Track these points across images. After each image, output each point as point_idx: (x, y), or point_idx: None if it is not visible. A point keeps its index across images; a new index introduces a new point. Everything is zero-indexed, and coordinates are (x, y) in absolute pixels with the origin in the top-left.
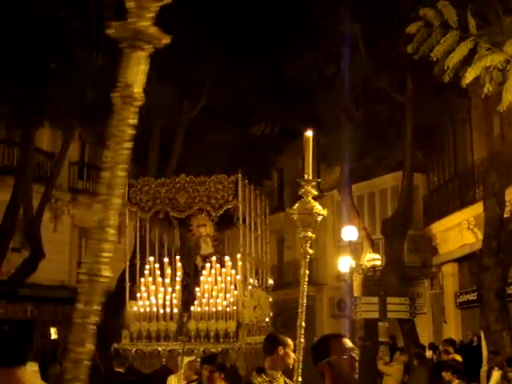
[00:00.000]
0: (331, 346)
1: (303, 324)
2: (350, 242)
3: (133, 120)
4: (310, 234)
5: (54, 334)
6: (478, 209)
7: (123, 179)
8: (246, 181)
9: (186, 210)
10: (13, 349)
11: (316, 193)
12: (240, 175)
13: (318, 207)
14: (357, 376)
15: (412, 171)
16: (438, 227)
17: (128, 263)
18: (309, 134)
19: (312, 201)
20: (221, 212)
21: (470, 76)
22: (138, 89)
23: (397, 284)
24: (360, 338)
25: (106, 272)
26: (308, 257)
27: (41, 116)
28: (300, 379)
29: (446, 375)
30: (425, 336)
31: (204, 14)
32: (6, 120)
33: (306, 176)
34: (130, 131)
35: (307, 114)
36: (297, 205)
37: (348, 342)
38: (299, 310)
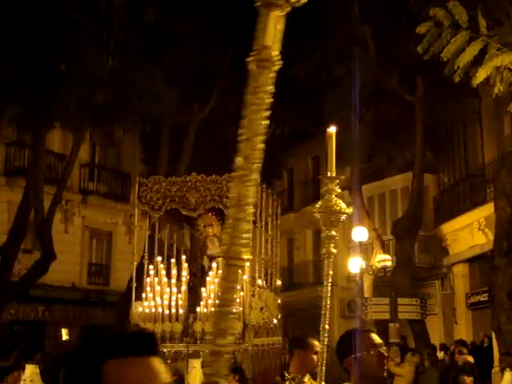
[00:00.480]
0: (358, 341)
1: (327, 327)
2: (360, 242)
3: (271, 86)
4: (333, 232)
5: (65, 335)
6: (488, 209)
7: (261, 152)
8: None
9: (198, 209)
10: (148, 339)
11: (339, 190)
12: None
13: (342, 205)
14: (385, 373)
15: (422, 172)
16: (448, 228)
17: (135, 263)
18: (332, 129)
19: (336, 199)
20: None
21: (480, 76)
22: (275, 51)
23: (407, 285)
24: None
25: (247, 254)
26: (332, 257)
27: (51, 118)
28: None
29: (468, 380)
30: (435, 337)
31: (214, 15)
32: (17, 122)
33: (329, 173)
34: (268, 99)
35: (316, 115)
36: (320, 203)
37: (376, 338)
38: (322, 312)
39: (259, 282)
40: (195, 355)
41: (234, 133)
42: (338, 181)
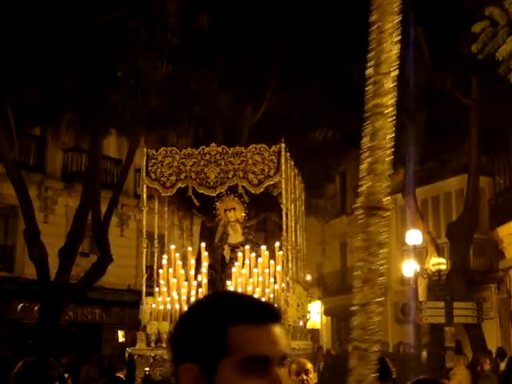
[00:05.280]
0: None
1: None
2: (414, 246)
3: None
4: None
5: (121, 337)
6: None
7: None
8: (288, 154)
9: (218, 187)
10: (271, 307)
11: None
12: (283, 145)
13: None
14: None
15: (477, 174)
16: (504, 231)
17: (145, 250)
18: None
19: None
20: (260, 189)
21: None
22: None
23: (463, 288)
24: (426, 344)
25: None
26: None
27: (108, 124)
28: None
29: None
30: (492, 341)
31: (266, 20)
32: (75, 128)
33: None
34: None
35: None
36: None
37: None
38: None
39: (291, 274)
40: None
41: (285, 135)
42: None
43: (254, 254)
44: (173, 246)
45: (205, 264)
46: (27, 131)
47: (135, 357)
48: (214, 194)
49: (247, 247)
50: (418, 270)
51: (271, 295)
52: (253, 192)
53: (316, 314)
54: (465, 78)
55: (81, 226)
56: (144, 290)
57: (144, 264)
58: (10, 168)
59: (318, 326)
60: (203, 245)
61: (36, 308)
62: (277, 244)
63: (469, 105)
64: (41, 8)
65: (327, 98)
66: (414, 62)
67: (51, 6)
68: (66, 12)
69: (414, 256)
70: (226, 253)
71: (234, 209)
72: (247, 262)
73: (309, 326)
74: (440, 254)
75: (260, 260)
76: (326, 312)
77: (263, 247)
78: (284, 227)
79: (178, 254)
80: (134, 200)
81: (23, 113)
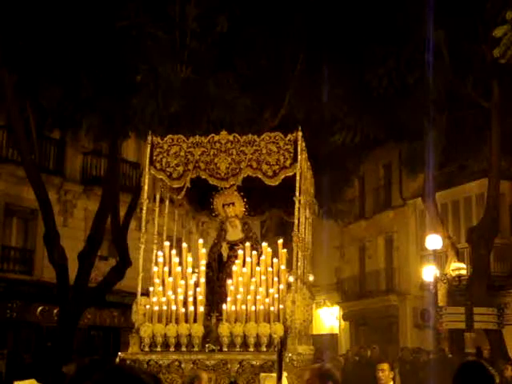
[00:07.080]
0: None
1: None
2: (434, 250)
3: None
4: None
5: None
6: None
7: None
8: (303, 144)
9: (230, 178)
10: None
11: None
12: (300, 133)
13: None
14: None
15: (498, 178)
16: None
17: (142, 246)
18: None
19: None
20: (277, 182)
21: None
22: None
23: (483, 294)
24: (444, 350)
25: None
26: None
27: (127, 127)
28: None
29: None
30: None
31: (286, 23)
32: (94, 132)
33: None
34: None
35: (389, 122)
36: None
37: None
38: None
39: (298, 272)
40: (223, 366)
41: (304, 139)
42: None
43: (254, 252)
44: (167, 243)
45: (202, 262)
46: (47, 135)
47: (127, 362)
48: (227, 186)
49: (247, 244)
50: (438, 274)
51: (276, 295)
52: (268, 184)
53: (334, 319)
54: (485, 82)
55: (100, 230)
56: (139, 289)
57: (141, 261)
58: (30, 171)
59: (337, 331)
60: (201, 241)
61: (55, 311)
62: (280, 241)
63: (489, 108)
64: (61, 12)
65: (347, 101)
66: (435, 65)
67: (71, 11)
68: (85, 17)
69: (433, 261)
70: (224, 250)
71: (233, 203)
72: (248, 260)
73: (327, 330)
74: (460, 258)
75: (263, 257)
76: (345, 317)
77: (264, 244)
78: (296, 222)
79: (174, 251)
80: (153, 204)
81: (43, 116)
